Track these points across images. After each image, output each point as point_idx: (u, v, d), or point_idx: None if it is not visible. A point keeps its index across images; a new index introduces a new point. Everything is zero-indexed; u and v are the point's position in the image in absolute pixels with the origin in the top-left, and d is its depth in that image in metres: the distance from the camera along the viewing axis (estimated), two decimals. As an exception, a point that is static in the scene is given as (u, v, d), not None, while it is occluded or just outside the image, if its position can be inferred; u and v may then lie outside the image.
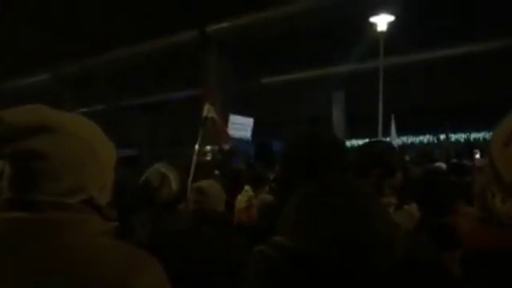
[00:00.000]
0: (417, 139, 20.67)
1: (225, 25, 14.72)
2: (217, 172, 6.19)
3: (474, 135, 19.99)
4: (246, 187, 3.78)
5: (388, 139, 10.16)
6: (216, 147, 10.88)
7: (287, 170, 1.37)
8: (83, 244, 0.88)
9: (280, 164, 1.41)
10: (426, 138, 20.69)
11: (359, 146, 2.19)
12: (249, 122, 14.48)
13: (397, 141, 10.36)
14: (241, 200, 3.62)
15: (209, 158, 11.21)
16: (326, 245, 1.12)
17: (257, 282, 1.17)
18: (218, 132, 5.80)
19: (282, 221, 1.24)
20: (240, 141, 11.23)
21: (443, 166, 6.36)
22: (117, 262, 0.87)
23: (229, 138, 6.41)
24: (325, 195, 1.20)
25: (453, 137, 19.66)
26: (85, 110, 20.09)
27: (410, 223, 1.67)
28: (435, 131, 18.69)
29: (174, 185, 1.97)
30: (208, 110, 5.41)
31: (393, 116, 10.64)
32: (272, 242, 1.17)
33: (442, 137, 13.63)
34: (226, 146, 6.38)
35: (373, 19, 11.18)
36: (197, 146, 5.63)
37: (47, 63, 18.58)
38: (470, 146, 16.08)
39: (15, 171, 0.90)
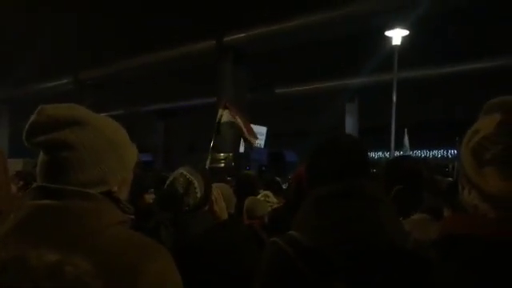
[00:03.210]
0: (430, 153, 20.53)
1: (241, 35, 15.00)
2: (229, 178, 6.35)
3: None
4: (267, 192, 3.88)
5: (401, 153, 10.19)
6: (230, 154, 11.03)
7: (309, 174, 1.42)
8: (101, 232, 0.94)
9: (305, 168, 1.45)
10: (439, 153, 20.54)
11: (387, 162, 2.18)
12: (262, 130, 14.66)
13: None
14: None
15: (222, 164, 11.38)
16: (333, 244, 1.19)
17: (268, 272, 1.25)
18: (245, 130, 5.61)
19: (297, 217, 1.32)
20: (253, 149, 11.42)
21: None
22: (131, 250, 0.93)
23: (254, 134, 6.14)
24: (337, 198, 1.27)
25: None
26: (104, 114, 20.44)
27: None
28: (448, 146, 18.57)
29: (200, 191, 1.94)
30: (222, 116, 5.47)
31: (406, 130, 10.67)
32: (286, 236, 1.25)
33: (455, 152, 13.61)
34: (256, 142, 6.11)
35: (388, 33, 11.34)
36: (210, 153, 5.74)
37: (69, 68, 19.08)
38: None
39: (45, 160, 0.99)
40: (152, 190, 4.31)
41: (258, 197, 3.85)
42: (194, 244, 1.85)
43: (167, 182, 2.02)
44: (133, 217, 1.06)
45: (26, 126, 0.98)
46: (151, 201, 4.24)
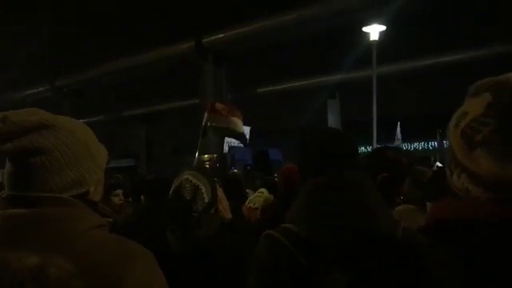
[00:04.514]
0: (411, 146, 20.84)
1: (220, 35, 14.97)
2: (216, 179, 6.31)
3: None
4: (262, 189, 3.89)
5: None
6: (214, 155, 11.02)
7: (301, 166, 1.46)
8: (80, 237, 0.92)
9: (297, 160, 1.48)
10: (420, 145, 20.86)
11: (369, 152, 2.24)
12: (246, 130, 14.62)
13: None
14: (255, 200, 3.71)
15: (207, 166, 11.34)
16: (329, 232, 1.23)
17: (263, 263, 1.27)
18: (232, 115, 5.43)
19: (291, 210, 1.35)
20: (237, 148, 11.41)
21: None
22: (110, 254, 0.91)
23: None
24: (331, 188, 1.30)
25: (446, 144, 19.83)
26: (84, 120, 20.19)
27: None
28: (429, 138, 18.88)
29: (207, 196, 1.89)
30: (207, 120, 5.48)
31: (399, 123, 10.80)
32: (280, 228, 1.29)
33: (436, 144, 13.84)
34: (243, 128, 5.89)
35: (365, 29, 11.46)
36: (196, 155, 5.75)
37: (46, 75, 18.77)
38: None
39: (15, 168, 0.95)
40: (120, 190, 4.27)
41: (256, 193, 3.87)
42: (205, 247, 1.83)
43: (172, 188, 1.93)
44: (111, 220, 1.04)
45: None
46: (120, 202, 4.20)
